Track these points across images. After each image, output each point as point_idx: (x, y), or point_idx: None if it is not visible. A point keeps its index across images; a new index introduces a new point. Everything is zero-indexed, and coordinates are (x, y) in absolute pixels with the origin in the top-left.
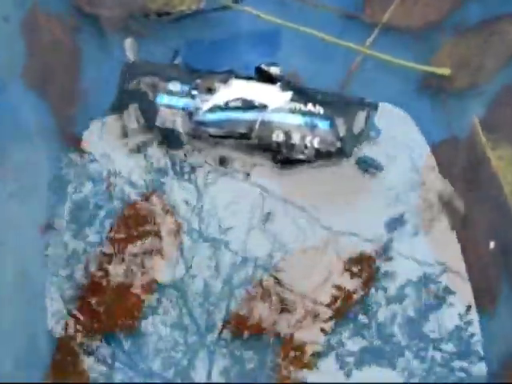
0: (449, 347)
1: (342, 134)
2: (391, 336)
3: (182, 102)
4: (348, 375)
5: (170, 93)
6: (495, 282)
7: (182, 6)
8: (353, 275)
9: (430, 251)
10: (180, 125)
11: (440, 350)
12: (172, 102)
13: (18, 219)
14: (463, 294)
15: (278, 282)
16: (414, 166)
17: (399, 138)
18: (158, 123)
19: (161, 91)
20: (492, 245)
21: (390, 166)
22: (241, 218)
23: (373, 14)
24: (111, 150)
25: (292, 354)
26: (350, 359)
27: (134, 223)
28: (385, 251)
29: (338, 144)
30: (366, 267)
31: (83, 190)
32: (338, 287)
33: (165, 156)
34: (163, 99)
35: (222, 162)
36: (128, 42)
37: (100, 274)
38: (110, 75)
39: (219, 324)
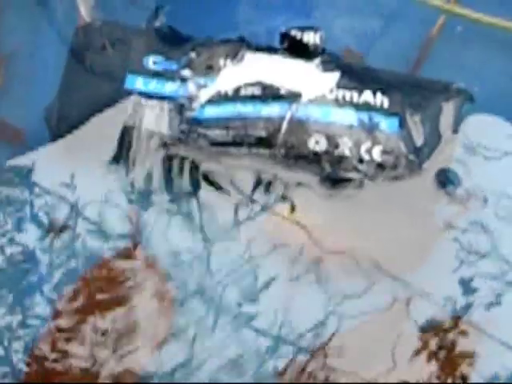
0: None
1: (418, 142)
2: None
3: (166, 87)
4: None
5: (148, 73)
6: None
7: None
8: (430, 356)
9: None
10: (164, 125)
11: None
12: (151, 88)
13: None
14: None
15: (327, 365)
16: None
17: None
18: (127, 122)
19: (133, 70)
20: None
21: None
22: (275, 270)
23: None
24: (72, 177)
25: None
26: None
27: (103, 287)
28: (459, 319)
29: (412, 157)
30: (444, 342)
31: (22, 240)
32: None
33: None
34: (136, 83)
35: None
36: None
37: (54, 357)
38: (50, 38)
39: None
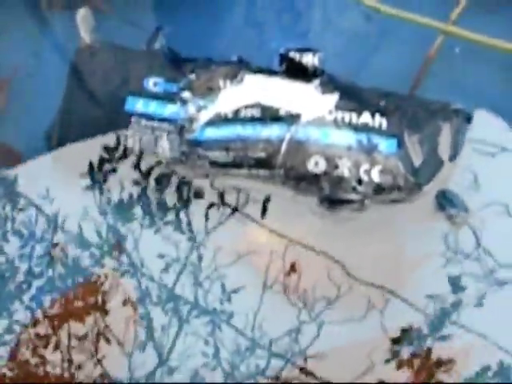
0: None
1: (417, 162)
2: None
3: (166, 109)
4: None
5: (148, 95)
6: None
7: None
8: (401, 364)
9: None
10: (164, 146)
11: None
12: (151, 110)
13: None
14: None
15: (307, 372)
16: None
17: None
18: (128, 144)
19: (133, 92)
20: None
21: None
22: (251, 277)
23: None
24: (56, 190)
25: None
26: None
27: (82, 297)
28: (439, 325)
29: (411, 177)
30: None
31: (6, 249)
32: None
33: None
34: (137, 105)
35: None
36: (81, 15)
37: (34, 362)
38: (51, 60)
39: None
